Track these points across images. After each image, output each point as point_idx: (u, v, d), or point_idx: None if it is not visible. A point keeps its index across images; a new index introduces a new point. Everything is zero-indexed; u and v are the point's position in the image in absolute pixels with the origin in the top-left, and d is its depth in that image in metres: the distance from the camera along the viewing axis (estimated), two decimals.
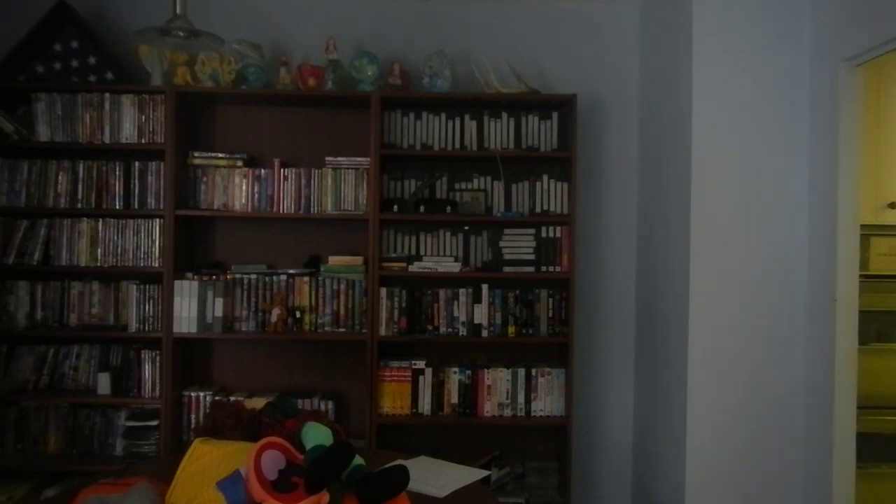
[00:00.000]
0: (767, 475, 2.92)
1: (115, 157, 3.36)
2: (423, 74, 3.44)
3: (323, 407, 3.36)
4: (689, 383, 2.90)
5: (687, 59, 2.96)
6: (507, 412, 3.41)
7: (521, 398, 3.40)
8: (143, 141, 3.32)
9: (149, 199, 3.35)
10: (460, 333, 3.40)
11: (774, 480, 2.92)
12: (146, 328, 3.34)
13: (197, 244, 3.55)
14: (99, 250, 3.34)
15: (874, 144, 3.32)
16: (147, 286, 3.34)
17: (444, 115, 3.49)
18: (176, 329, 3.28)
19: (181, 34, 2.74)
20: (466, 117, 3.49)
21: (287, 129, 3.55)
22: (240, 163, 3.41)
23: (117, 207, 3.34)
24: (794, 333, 2.91)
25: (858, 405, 2.70)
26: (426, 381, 3.38)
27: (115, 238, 3.35)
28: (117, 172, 3.34)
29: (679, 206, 3.04)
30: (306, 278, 3.40)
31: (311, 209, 3.38)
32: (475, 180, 3.52)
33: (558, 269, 3.41)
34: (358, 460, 1.83)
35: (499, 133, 3.49)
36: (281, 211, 3.38)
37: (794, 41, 2.91)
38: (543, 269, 3.42)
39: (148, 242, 3.34)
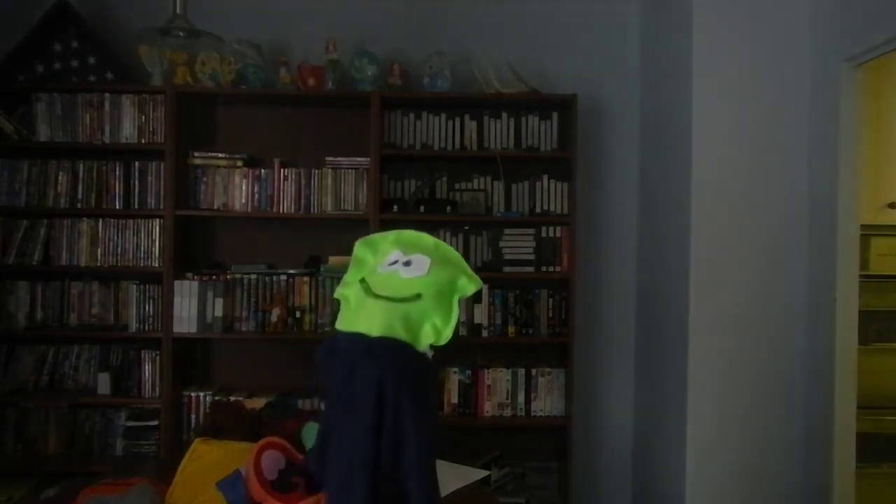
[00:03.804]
0: (767, 475, 2.92)
1: (115, 157, 3.36)
2: (423, 74, 3.44)
3: (323, 407, 3.36)
4: (689, 383, 2.90)
5: (687, 59, 2.95)
6: (507, 412, 3.41)
7: (521, 398, 3.41)
8: (143, 141, 3.32)
9: (149, 199, 3.35)
10: (460, 333, 3.40)
11: (774, 480, 2.91)
12: (146, 328, 3.34)
13: (197, 244, 3.55)
14: (99, 250, 3.34)
15: (874, 144, 3.32)
16: (147, 286, 3.34)
17: (444, 115, 3.48)
18: (176, 329, 3.28)
19: (181, 34, 2.75)
20: (466, 117, 3.48)
21: (287, 129, 3.55)
22: (240, 163, 3.41)
23: (117, 207, 3.34)
24: (795, 333, 2.91)
25: (858, 405, 2.70)
26: None
27: (115, 238, 3.34)
28: (117, 172, 3.34)
29: (679, 205, 3.03)
30: (306, 278, 3.40)
31: (311, 209, 3.38)
32: (475, 180, 3.52)
33: (558, 269, 3.41)
34: None
35: (499, 133, 3.49)
36: (281, 211, 3.38)
37: (794, 41, 2.91)
38: (543, 269, 3.42)
39: (148, 242, 3.34)
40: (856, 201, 2.71)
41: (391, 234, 1.57)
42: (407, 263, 1.46)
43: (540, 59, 3.63)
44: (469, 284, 1.48)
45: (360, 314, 1.43)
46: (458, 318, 1.48)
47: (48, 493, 3.16)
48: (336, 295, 1.52)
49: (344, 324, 1.46)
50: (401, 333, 1.39)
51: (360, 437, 1.35)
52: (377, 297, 1.42)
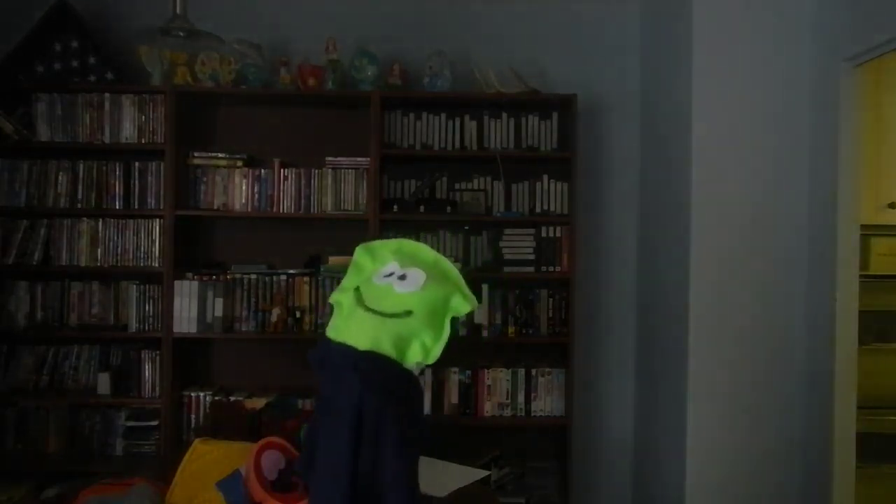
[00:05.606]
0: (767, 475, 2.92)
1: (115, 157, 3.36)
2: (423, 74, 3.44)
3: None
4: (689, 383, 2.90)
5: (687, 58, 2.95)
6: (507, 412, 3.41)
7: (521, 398, 3.40)
8: (143, 141, 3.32)
9: (149, 199, 3.35)
10: (460, 333, 3.40)
11: (774, 480, 2.91)
12: (146, 328, 3.34)
13: (197, 244, 3.55)
14: (99, 250, 3.34)
15: (874, 144, 3.32)
16: (147, 286, 3.34)
17: (444, 115, 3.48)
18: (176, 329, 3.28)
19: (181, 34, 2.75)
20: (466, 117, 3.48)
21: (287, 129, 3.55)
22: (240, 163, 3.41)
23: (117, 207, 3.34)
24: (794, 333, 2.91)
25: (858, 405, 2.70)
26: (426, 381, 3.38)
27: (115, 238, 3.35)
28: (117, 172, 3.34)
29: (679, 205, 3.03)
30: (306, 278, 3.40)
31: (311, 209, 3.39)
32: (475, 180, 3.52)
33: (558, 269, 3.41)
34: None
35: (499, 133, 3.49)
36: (281, 211, 3.38)
37: (794, 41, 2.91)
38: (543, 269, 3.42)
39: (148, 242, 3.34)
40: (856, 201, 2.71)
41: (392, 243, 1.58)
42: (402, 277, 1.47)
43: (540, 59, 3.62)
44: (463, 304, 1.49)
45: (349, 324, 1.44)
46: (451, 336, 1.48)
47: (48, 493, 3.16)
48: (331, 299, 1.53)
49: (334, 331, 1.47)
50: (388, 349, 1.40)
51: (340, 450, 1.38)
52: (368, 309, 1.43)
